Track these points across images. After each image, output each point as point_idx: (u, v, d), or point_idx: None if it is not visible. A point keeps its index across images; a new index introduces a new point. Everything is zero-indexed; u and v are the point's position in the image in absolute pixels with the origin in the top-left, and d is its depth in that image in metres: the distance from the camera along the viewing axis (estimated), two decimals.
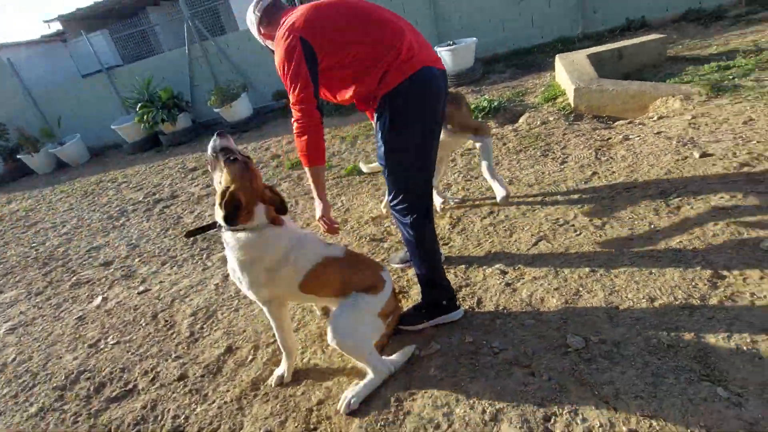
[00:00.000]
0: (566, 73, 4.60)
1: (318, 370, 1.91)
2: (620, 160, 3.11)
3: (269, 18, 1.82)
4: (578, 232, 2.41)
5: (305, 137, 1.68)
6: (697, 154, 2.86)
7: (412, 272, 2.37)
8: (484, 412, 1.52)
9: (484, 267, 2.32)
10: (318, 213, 1.88)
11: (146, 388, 2.11)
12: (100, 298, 3.13)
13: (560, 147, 3.62)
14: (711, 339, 1.61)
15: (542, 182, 3.09)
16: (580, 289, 1.98)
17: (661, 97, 3.95)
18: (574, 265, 2.16)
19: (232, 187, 1.55)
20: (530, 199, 2.90)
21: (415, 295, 2.23)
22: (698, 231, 2.17)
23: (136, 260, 3.62)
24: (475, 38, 6.07)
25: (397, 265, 2.51)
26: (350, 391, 1.70)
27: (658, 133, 3.38)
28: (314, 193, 1.85)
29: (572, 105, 4.37)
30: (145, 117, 6.97)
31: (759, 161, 2.62)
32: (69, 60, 9.46)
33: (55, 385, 2.32)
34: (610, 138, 3.55)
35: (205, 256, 3.38)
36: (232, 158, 1.60)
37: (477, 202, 3.06)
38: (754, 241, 2.00)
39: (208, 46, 7.47)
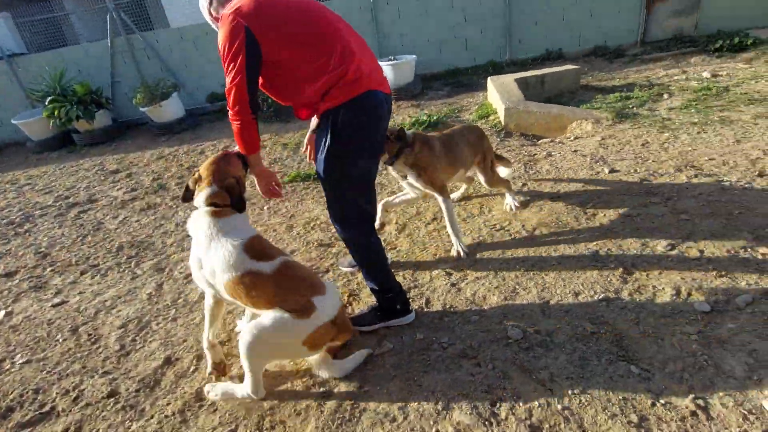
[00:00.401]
0: (497, 94, 5.01)
1: (268, 375, 1.86)
2: (545, 174, 3.45)
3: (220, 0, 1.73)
4: (512, 236, 2.64)
5: (239, 128, 1.68)
6: (606, 170, 3.28)
7: (361, 275, 2.41)
8: (437, 402, 1.60)
9: (431, 269, 2.44)
10: (261, 186, 1.89)
11: (67, 408, 1.89)
12: (2, 312, 2.74)
13: None
14: (624, 325, 1.85)
15: (479, 190, 3.32)
16: (517, 286, 2.17)
17: (576, 120, 4.46)
18: (511, 265, 2.35)
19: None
20: (469, 206, 3.10)
21: (365, 297, 2.28)
22: (611, 234, 2.49)
23: (48, 270, 3.22)
24: (414, 55, 6.37)
25: (346, 269, 2.54)
26: (215, 384, 1.81)
27: (575, 151, 3.82)
28: (255, 170, 1.86)
29: (503, 123, 4.76)
30: (56, 112, 6.25)
31: (654, 177, 3.08)
32: None
33: None
34: (536, 154, 3.93)
35: (133, 264, 3.12)
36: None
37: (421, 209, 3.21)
38: (653, 243, 2.34)
39: (134, 40, 6.96)
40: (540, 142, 4.37)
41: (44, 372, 2.14)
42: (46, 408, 1.92)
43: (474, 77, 6.85)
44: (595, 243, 2.44)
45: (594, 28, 6.83)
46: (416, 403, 1.61)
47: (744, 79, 4.90)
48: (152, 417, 1.76)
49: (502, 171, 3.13)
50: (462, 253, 2.49)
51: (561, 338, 1.82)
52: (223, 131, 6.28)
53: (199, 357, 2.06)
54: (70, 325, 2.48)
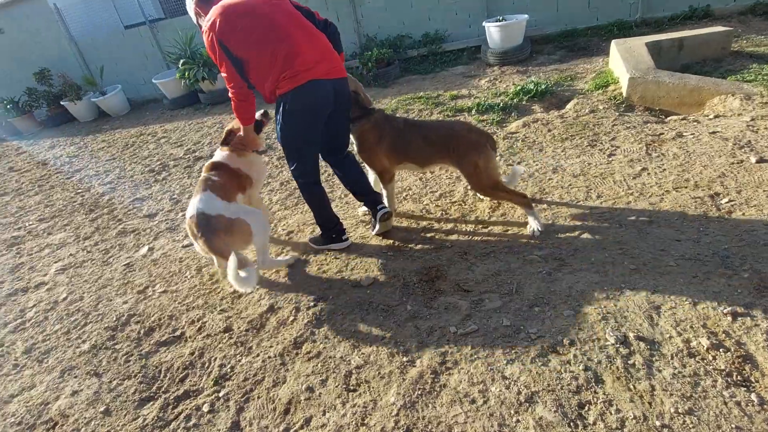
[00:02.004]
0: (622, 61, 4.40)
1: (360, 336, 2.00)
2: (672, 158, 3.02)
3: (204, 2, 2.28)
4: (624, 227, 2.39)
5: (235, 103, 2.27)
6: (753, 159, 2.75)
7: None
8: (519, 393, 1.59)
9: (524, 253, 2.34)
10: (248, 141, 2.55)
11: (193, 336, 2.26)
12: (146, 247, 3.30)
13: (609, 138, 3.52)
14: (751, 347, 1.61)
15: (588, 173, 3.04)
16: (623, 285, 1.99)
17: (720, 95, 3.76)
18: (617, 261, 2.15)
19: None
20: (574, 190, 2.86)
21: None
22: (747, 237, 2.13)
23: (179, 215, 3.77)
24: (526, 15, 5.83)
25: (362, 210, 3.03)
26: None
27: (713, 132, 3.25)
28: (246, 137, 2.52)
29: (624, 95, 4.21)
30: (186, 74, 7.03)
31: None
32: (113, 10, 9.52)
33: (106, 325, 2.50)
34: (662, 133, 3.43)
35: None
36: None
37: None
38: None
39: None
40: (668, 119, 3.80)
41: (176, 302, 2.56)
42: (178, 333, 2.31)
43: (594, 39, 6.08)
44: (725, 246, 2.11)
45: None
46: (497, 389, 1.61)
47: None
48: (258, 356, 2.02)
49: (513, 175, 2.70)
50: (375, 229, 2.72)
51: (669, 350, 1.65)
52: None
53: (297, 309, 2.28)
54: (195, 265, 2.91)
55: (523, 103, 4.73)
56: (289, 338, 2.08)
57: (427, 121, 2.73)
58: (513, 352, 1.75)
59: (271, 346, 2.06)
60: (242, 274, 2.12)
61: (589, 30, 6.29)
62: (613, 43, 4.87)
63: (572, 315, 1.88)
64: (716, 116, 3.58)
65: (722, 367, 1.55)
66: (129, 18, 9.59)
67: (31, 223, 4.24)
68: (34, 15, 8.36)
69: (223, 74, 2.18)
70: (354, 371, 1.82)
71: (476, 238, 2.58)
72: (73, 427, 1.86)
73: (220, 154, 2.64)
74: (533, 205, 2.53)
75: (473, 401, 1.59)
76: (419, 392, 1.66)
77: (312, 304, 2.28)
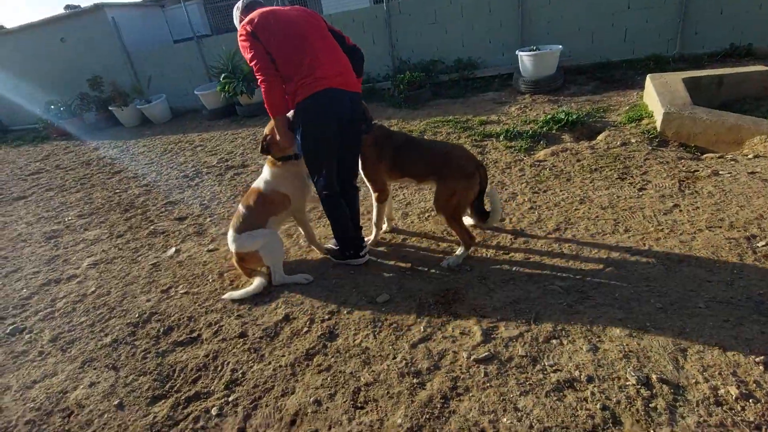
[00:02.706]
0: (657, 95, 4.34)
1: (364, 351, 1.99)
2: (706, 196, 2.91)
3: (248, 10, 2.40)
4: (652, 264, 2.31)
5: (265, 89, 2.27)
6: None
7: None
8: (531, 427, 1.53)
9: (545, 282, 2.29)
10: (280, 136, 2.44)
11: (209, 339, 2.30)
12: (173, 249, 3.42)
13: (640, 172, 3.45)
14: None
15: (616, 206, 2.97)
16: (648, 323, 1.91)
17: (760, 135, 3.63)
18: (643, 298, 2.08)
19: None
20: (601, 222, 2.80)
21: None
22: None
23: (207, 220, 3.89)
24: (560, 46, 5.85)
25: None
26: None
27: (752, 172, 3.13)
28: (277, 129, 2.43)
29: (658, 129, 4.13)
30: (226, 87, 7.38)
31: None
32: (164, 25, 10.17)
33: (129, 321, 2.58)
34: (696, 170, 3.33)
35: None
36: None
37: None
38: None
39: None
40: (704, 156, 3.69)
41: (196, 304, 2.63)
42: (195, 334, 2.36)
43: (629, 72, 6.02)
44: (761, 291, 2.01)
45: None
46: (509, 421, 1.56)
47: None
48: (269, 363, 2.04)
49: (469, 220, 2.78)
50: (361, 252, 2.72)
51: (695, 396, 1.56)
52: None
53: (312, 320, 2.30)
54: (218, 269, 2.98)
55: (553, 132, 4.70)
56: (301, 349, 2.09)
57: (427, 140, 2.80)
58: (527, 383, 1.70)
59: (283, 356, 2.08)
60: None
61: (623, 63, 6.25)
62: (649, 78, 4.81)
63: (592, 350, 1.81)
64: (756, 156, 3.46)
65: (751, 419, 1.45)
66: (179, 33, 10.22)
67: (70, 218, 4.47)
68: (92, 26, 9.01)
69: (253, 63, 2.23)
70: (363, 388, 1.81)
71: (497, 263, 2.55)
72: (87, 418, 1.91)
73: (266, 173, 2.66)
74: (471, 250, 2.64)
75: (482, 431, 1.54)
76: (427, 416, 1.63)
77: (327, 316, 2.30)
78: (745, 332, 1.80)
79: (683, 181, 3.19)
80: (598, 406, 1.57)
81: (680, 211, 2.80)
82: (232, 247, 2.66)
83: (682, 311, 1.96)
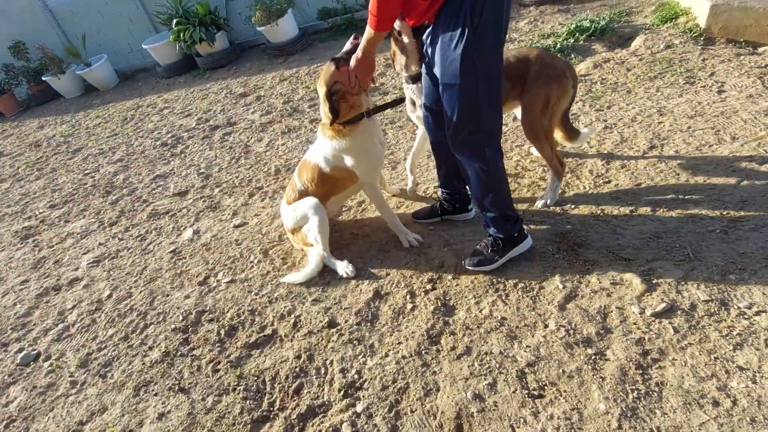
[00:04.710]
0: None
1: (502, 323, 1.62)
2: None
3: None
4: None
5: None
6: None
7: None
8: None
9: (680, 208, 1.94)
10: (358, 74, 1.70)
11: (290, 335, 1.86)
12: (190, 230, 2.84)
13: (707, 74, 3.08)
14: None
15: (705, 113, 2.61)
16: None
17: None
18: None
19: None
20: (699, 132, 2.44)
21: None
22: None
23: (216, 191, 3.28)
24: None
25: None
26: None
27: None
28: (361, 48, 1.62)
29: (703, 26, 3.71)
30: (181, 35, 6.27)
31: None
32: None
33: (173, 326, 2.08)
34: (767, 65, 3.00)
35: None
36: None
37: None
38: None
39: None
40: (762, 50, 3.34)
41: (252, 293, 2.14)
42: (268, 331, 1.91)
43: None
44: None
45: None
46: (742, 385, 1.25)
47: None
48: (386, 356, 1.64)
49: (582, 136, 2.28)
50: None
51: None
52: (339, 49, 5.88)
53: (412, 293, 1.88)
54: (260, 247, 2.46)
55: (581, 43, 4.21)
56: (418, 331, 1.69)
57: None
58: (735, 334, 1.39)
59: (399, 343, 1.67)
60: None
61: None
62: None
63: None
64: None
65: None
66: None
67: (41, 210, 3.71)
68: None
69: None
70: (527, 370, 1.45)
71: (603, 196, 2.17)
72: None
73: (325, 147, 1.96)
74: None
75: (717, 403, 1.23)
76: (634, 394, 1.30)
77: (429, 287, 1.88)
78: None
79: (762, 77, 2.85)
80: None
81: None
82: (285, 222, 2.14)
83: None
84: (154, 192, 3.54)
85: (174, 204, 3.25)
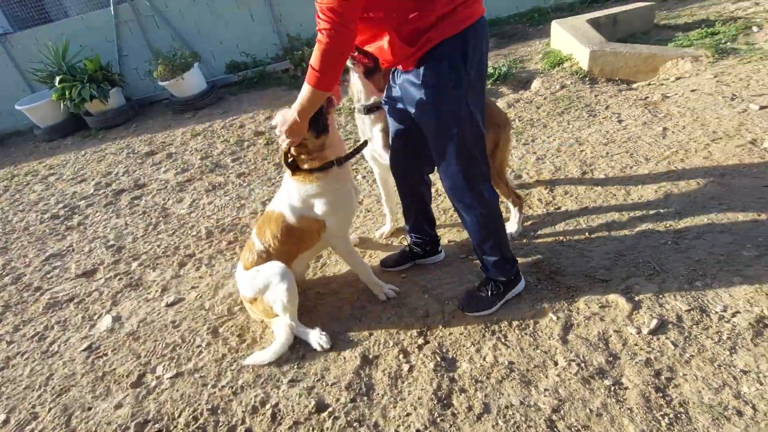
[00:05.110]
0: (572, 38, 4.56)
1: (510, 368, 1.52)
2: (679, 116, 3.09)
3: None
4: (703, 184, 2.29)
5: (326, 48, 1.29)
6: (755, 107, 2.94)
7: None
8: None
9: (629, 227, 2.09)
10: (287, 120, 1.50)
11: (269, 430, 1.53)
12: (108, 318, 2.32)
13: (603, 107, 3.54)
14: None
15: (615, 140, 2.96)
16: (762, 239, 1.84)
17: (671, 60, 4.06)
18: (734, 211, 2.02)
19: None
20: (618, 157, 2.74)
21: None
22: None
23: (134, 265, 2.78)
24: None
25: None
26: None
27: (693, 90, 3.45)
28: (296, 108, 1.46)
29: (586, 68, 4.34)
30: (67, 93, 5.55)
31: None
32: None
33: None
34: (647, 97, 3.56)
35: (239, 248, 2.70)
36: None
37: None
38: None
39: (139, 5, 6.20)
40: (636, 86, 3.99)
41: (209, 386, 1.76)
42: (241, 430, 1.55)
43: (519, 26, 6.34)
44: None
45: None
46: (753, 390, 1.29)
47: None
48: None
49: None
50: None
51: None
52: (254, 102, 5.72)
53: (404, 351, 1.70)
54: (205, 327, 2.08)
55: (489, 87, 4.63)
56: (425, 396, 1.51)
57: None
58: (724, 337, 1.46)
59: (407, 414, 1.46)
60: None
61: (511, 18, 6.56)
62: (555, 24, 5.06)
63: (744, 281, 1.66)
64: (678, 78, 3.85)
65: None
66: None
67: None
68: None
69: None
70: (554, 417, 1.35)
71: (555, 220, 2.27)
72: None
73: (292, 193, 1.76)
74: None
75: (740, 413, 1.25)
76: (666, 421, 1.27)
77: (421, 341, 1.73)
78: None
79: (647, 107, 3.36)
80: None
81: (672, 132, 2.91)
82: (242, 291, 1.84)
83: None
84: (48, 276, 2.89)
85: (79, 288, 2.67)
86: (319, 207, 1.74)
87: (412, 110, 1.55)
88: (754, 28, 4.47)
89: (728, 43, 4.23)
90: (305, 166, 1.67)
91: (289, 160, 1.67)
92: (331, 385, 1.63)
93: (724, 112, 2.98)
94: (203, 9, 6.26)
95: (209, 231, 3.00)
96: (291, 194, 1.76)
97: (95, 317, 2.36)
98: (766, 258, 1.75)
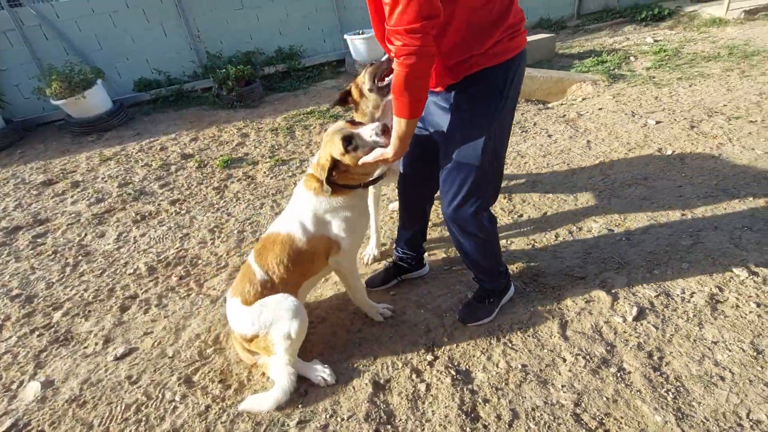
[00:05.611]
0: None
1: (525, 370, 1.57)
2: (595, 130, 3.56)
3: None
4: (632, 186, 2.65)
5: (413, 72, 1.19)
6: (652, 122, 3.51)
7: None
8: (756, 350, 1.51)
9: (584, 230, 2.32)
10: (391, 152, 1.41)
11: None
12: (34, 384, 1.87)
13: (531, 124, 3.93)
14: None
15: (551, 153, 3.29)
16: (702, 225, 2.18)
17: (576, 83, 4.70)
18: (663, 210, 2.36)
19: None
20: (557, 166, 3.04)
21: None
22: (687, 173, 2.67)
23: (57, 316, 2.31)
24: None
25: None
26: None
27: (600, 109, 4.01)
28: (395, 139, 1.37)
29: None
30: None
31: (698, 124, 3.37)
32: None
33: None
34: (565, 115, 4.04)
35: (193, 283, 2.40)
36: None
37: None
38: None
39: (22, 15, 5.38)
40: (552, 105, 4.51)
41: None
42: None
43: None
44: (722, 179, 2.58)
45: (537, 1, 7.24)
46: (725, 357, 1.50)
47: (682, 42, 5.67)
48: None
49: None
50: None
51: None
52: (173, 123, 5.26)
53: (416, 370, 1.65)
54: (175, 377, 1.80)
55: None
56: (451, 413, 1.47)
57: None
58: (692, 315, 1.69)
59: None
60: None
61: None
62: None
63: (689, 266, 1.94)
64: (584, 99, 4.45)
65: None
66: None
67: None
68: None
69: (409, 16, 1.11)
70: (578, 410, 1.41)
71: (523, 227, 2.44)
72: None
73: (307, 208, 1.63)
74: None
75: (722, 377, 1.43)
76: (671, 396, 1.40)
77: (430, 357, 1.70)
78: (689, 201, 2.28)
79: (568, 123, 3.81)
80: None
81: (594, 144, 3.33)
82: (238, 328, 1.63)
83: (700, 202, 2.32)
84: None
85: None
86: (337, 225, 1.63)
87: (432, 131, 1.54)
88: (632, 58, 5.37)
89: (616, 70, 5.02)
90: (341, 182, 1.58)
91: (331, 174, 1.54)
92: (348, 419, 1.51)
93: (630, 126, 3.51)
94: (104, 21, 5.63)
95: (151, 267, 2.63)
96: (305, 209, 1.63)
97: (14, 386, 1.90)
98: (699, 245, 2.08)
